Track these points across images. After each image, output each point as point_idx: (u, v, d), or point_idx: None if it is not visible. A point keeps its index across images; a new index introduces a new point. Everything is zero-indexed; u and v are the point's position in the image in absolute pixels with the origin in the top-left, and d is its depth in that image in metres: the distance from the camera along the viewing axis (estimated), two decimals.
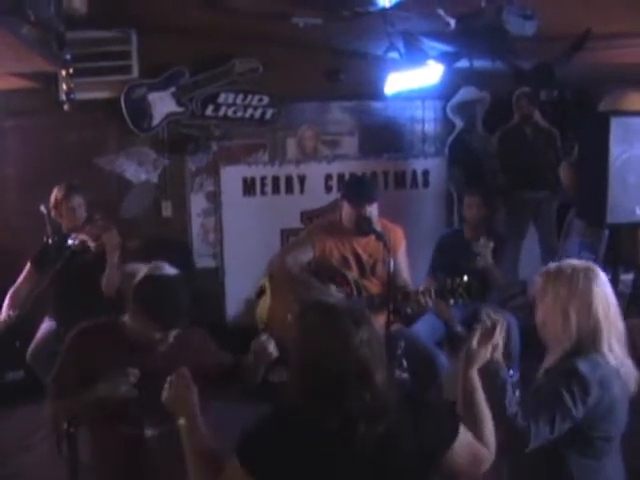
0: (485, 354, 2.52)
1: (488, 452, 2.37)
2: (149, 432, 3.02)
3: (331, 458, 2.12)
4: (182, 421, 2.43)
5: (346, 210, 4.43)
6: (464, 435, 2.27)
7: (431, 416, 2.25)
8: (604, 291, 2.75)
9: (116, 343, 2.98)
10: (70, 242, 4.65)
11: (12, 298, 4.80)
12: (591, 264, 2.82)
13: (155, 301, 2.91)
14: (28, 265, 4.87)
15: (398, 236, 4.59)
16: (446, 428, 2.25)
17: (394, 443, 2.15)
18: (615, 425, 2.72)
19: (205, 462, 2.34)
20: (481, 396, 2.45)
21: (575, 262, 2.83)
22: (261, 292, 4.75)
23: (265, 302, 4.67)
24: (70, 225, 4.83)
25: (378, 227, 4.33)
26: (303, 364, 2.16)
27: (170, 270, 3.05)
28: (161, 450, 3.00)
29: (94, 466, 3.22)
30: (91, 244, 4.67)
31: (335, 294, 4.36)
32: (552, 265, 2.84)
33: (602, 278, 2.77)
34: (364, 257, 4.51)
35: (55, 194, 4.87)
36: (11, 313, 4.64)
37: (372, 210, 4.35)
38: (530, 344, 2.70)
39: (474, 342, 2.51)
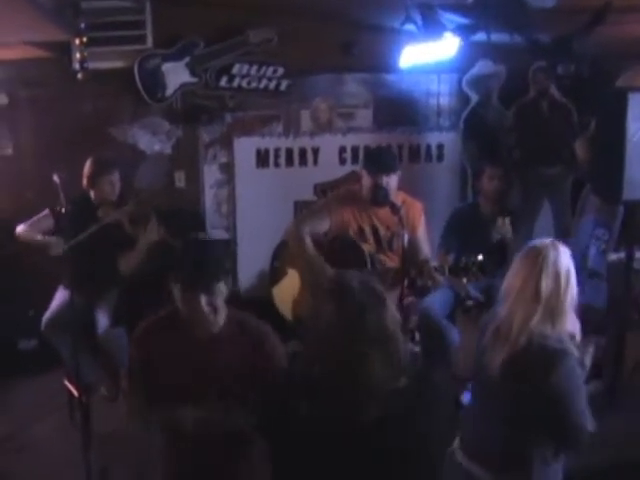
0: None
1: None
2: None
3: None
4: None
5: (365, 179, 4.42)
6: None
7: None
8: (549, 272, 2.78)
9: (175, 337, 2.90)
10: (100, 215, 4.70)
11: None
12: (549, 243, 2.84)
13: (179, 262, 2.86)
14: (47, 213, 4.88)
15: (417, 211, 4.56)
16: None
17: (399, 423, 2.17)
18: None
19: None
20: None
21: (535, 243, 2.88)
22: (278, 275, 4.76)
23: (287, 286, 4.69)
24: (102, 198, 4.83)
25: (397, 201, 4.30)
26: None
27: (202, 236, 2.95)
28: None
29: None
30: (127, 225, 4.71)
31: None
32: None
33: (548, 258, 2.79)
34: (381, 230, 4.49)
35: (91, 167, 4.82)
36: None
37: (390, 181, 4.33)
38: None
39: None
